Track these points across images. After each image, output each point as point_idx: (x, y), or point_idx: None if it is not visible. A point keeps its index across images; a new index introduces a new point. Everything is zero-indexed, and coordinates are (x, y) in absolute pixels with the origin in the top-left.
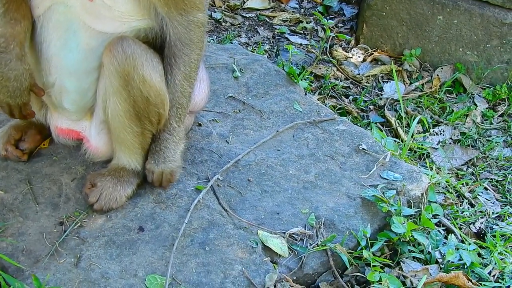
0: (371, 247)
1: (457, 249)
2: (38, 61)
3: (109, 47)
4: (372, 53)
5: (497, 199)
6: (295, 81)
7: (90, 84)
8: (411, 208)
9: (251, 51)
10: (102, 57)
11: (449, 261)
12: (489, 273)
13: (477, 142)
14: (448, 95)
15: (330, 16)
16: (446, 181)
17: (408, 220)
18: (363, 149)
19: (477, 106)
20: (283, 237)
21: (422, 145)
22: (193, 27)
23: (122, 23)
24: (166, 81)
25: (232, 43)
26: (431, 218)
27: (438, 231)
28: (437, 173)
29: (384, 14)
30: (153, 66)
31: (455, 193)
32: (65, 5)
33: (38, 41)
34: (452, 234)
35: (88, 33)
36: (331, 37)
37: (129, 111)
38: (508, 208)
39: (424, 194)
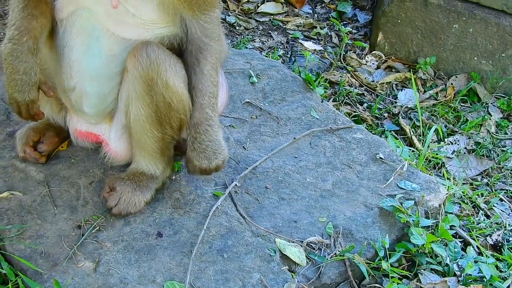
0: (389, 258)
1: (476, 261)
2: (59, 65)
3: (133, 52)
4: (386, 60)
5: None
6: (312, 87)
7: (111, 89)
8: (429, 219)
9: (265, 55)
10: (126, 61)
11: (468, 274)
12: (508, 287)
13: (492, 152)
14: (462, 104)
15: (344, 22)
16: (462, 192)
17: (426, 232)
18: (380, 158)
19: (491, 116)
20: (301, 246)
21: (437, 154)
22: (215, 21)
23: (145, 30)
24: (194, 74)
25: (247, 47)
26: (448, 229)
27: (456, 243)
28: (455, 184)
29: (399, 21)
30: (176, 71)
31: (471, 203)
32: (89, 11)
33: (60, 45)
34: (470, 246)
35: (111, 39)
36: (345, 44)
37: (151, 116)
38: None
39: (442, 205)
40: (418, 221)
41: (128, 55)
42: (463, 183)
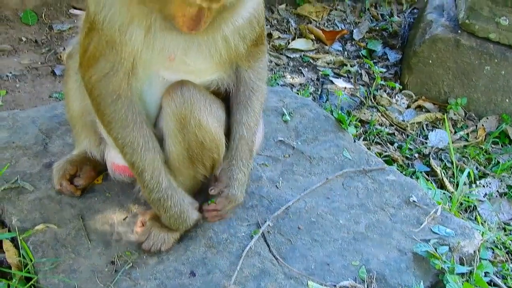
0: None
1: None
2: None
3: (168, 90)
4: (417, 100)
5: None
6: (344, 127)
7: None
8: (463, 265)
9: (296, 92)
10: (161, 99)
11: None
12: None
13: None
14: (493, 146)
15: (374, 61)
16: (496, 237)
17: (462, 279)
18: (413, 201)
19: None
20: None
21: (468, 197)
22: (264, 65)
23: (197, 77)
24: (245, 111)
25: (278, 84)
26: (483, 276)
27: None
28: (489, 230)
29: (430, 61)
30: (211, 111)
31: (504, 249)
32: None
33: None
34: None
35: (163, 84)
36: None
37: (182, 154)
38: None
39: (477, 252)
40: (453, 268)
41: (164, 93)
42: (497, 228)
